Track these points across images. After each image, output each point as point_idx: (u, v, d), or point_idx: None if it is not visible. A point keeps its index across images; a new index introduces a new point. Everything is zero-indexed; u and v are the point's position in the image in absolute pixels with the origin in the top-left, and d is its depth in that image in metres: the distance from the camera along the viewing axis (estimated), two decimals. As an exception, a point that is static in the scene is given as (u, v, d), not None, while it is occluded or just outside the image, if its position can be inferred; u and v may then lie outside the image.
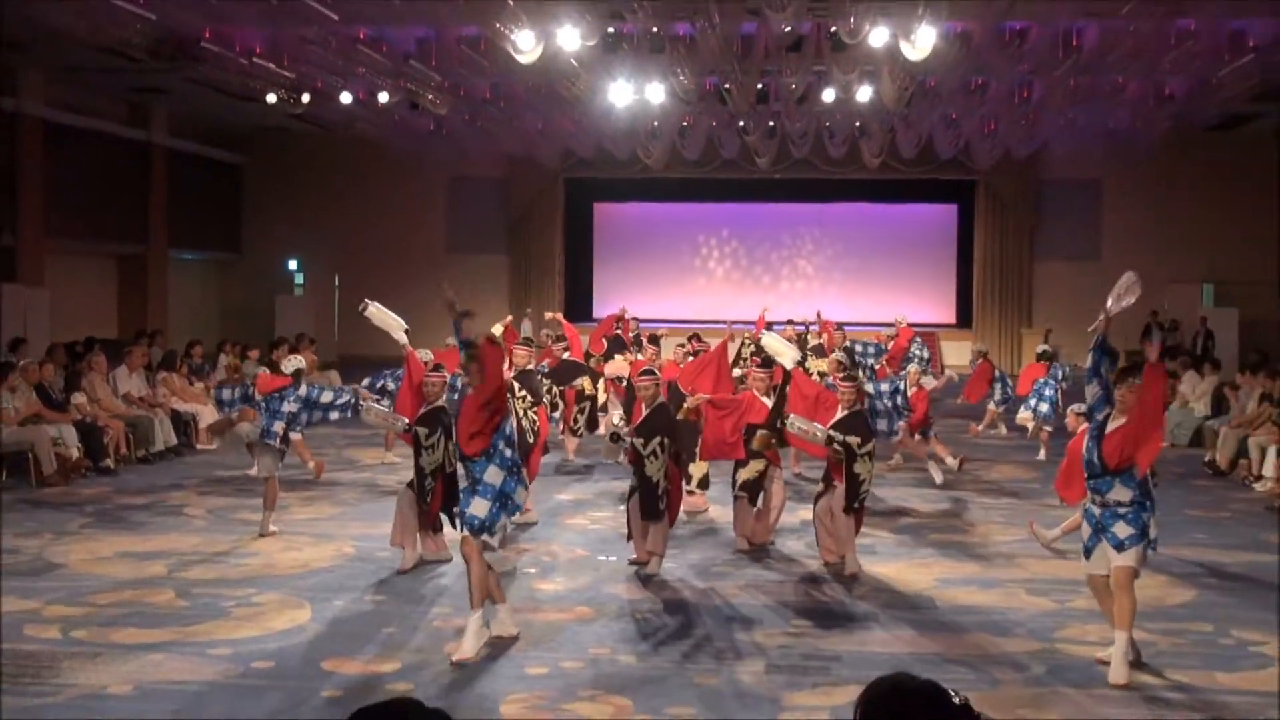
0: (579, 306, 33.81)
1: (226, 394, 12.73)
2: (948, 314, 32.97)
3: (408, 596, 9.55)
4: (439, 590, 9.72)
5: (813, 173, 30.39)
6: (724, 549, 11.27)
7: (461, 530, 8.25)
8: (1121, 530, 7.75)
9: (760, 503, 11.29)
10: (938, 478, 14.98)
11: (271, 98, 21.46)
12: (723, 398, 11.54)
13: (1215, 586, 10.17)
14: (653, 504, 10.22)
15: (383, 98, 21.31)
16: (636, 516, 10.39)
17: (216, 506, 13.18)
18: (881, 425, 11.61)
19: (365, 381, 14.10)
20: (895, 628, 8.87)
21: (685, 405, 11.20)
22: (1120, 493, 7.78)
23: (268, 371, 12.97)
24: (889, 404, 12.47)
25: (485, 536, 8.10)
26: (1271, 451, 14.88)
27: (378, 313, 11.37)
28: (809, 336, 19.65)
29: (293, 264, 32.57)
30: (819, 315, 21.40)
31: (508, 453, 8.21)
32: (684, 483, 11.40)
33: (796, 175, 30.76)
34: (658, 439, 10.22)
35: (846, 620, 9.07)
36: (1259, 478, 15.12)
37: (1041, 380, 18.42)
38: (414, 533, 10.42)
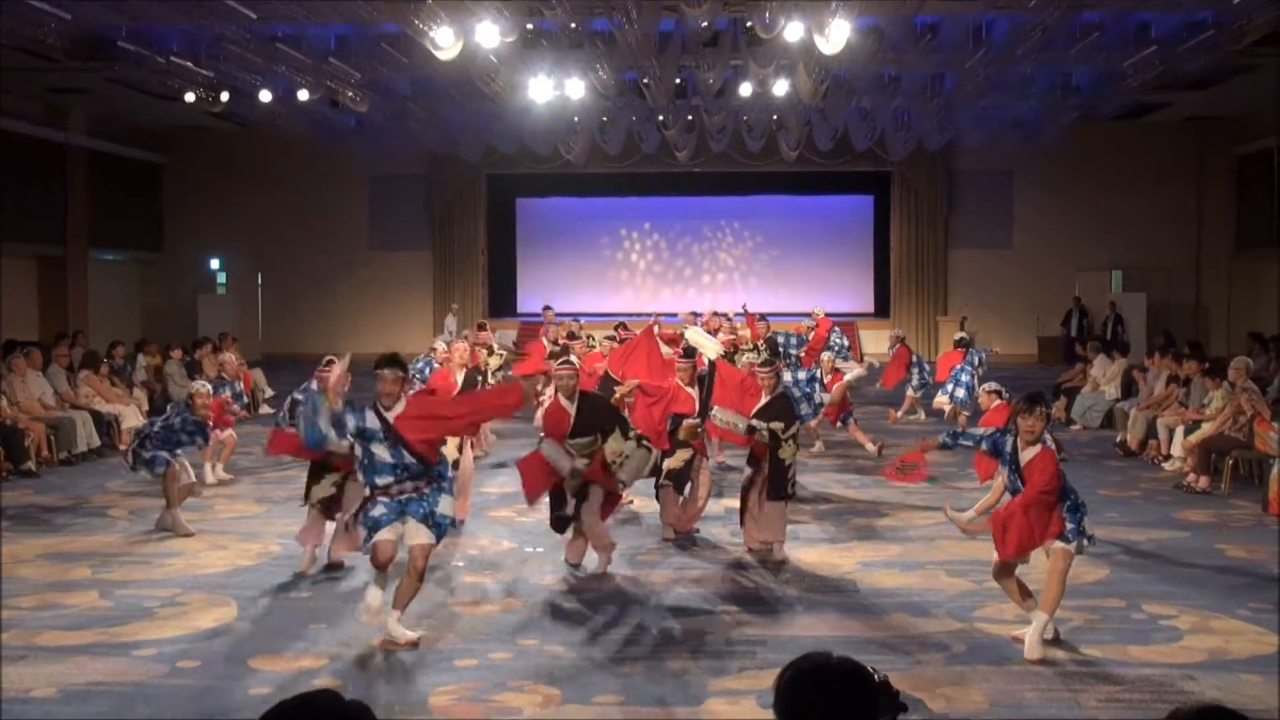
0: (503, 301, 33.73)
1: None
2: (866, 303, 33.22)
3: (334, 593, 9.45)
4: (365, 586, 9.61)
5: (732, 166, 30.49)
6: (650, 537, 11.28)
7: (427, 535, 8.06)
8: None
9: (686, 492, 11.29)
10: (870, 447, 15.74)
11: (190, 96, 21.13)
12: (653, 384, 11.53)
13: (1127, 564, 10.35)
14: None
15: (303, 95, 21.05)
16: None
17: (140, 507, 12.96)
18: (803, 410, 11.75)
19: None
20: (819, 611, 8.92)
21: (618, 391, 11.18)
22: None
23: (208, 390, 12.97)
24: (806, 390, 12.57)
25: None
26: (1179, 432, 15.14)
27: None
28: (738, 328, 19.65)
29: (215, 263, 32.15)
30: (744, 308, 21.51)
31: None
32: None
33: (716, 169, 30.86)
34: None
35: (771, 605, 9.11)
36: (1167, 457, 15.39)
37: (958, 367, 18.71)
38: (320, 534, 10.21)
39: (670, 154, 28.67)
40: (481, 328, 19.41)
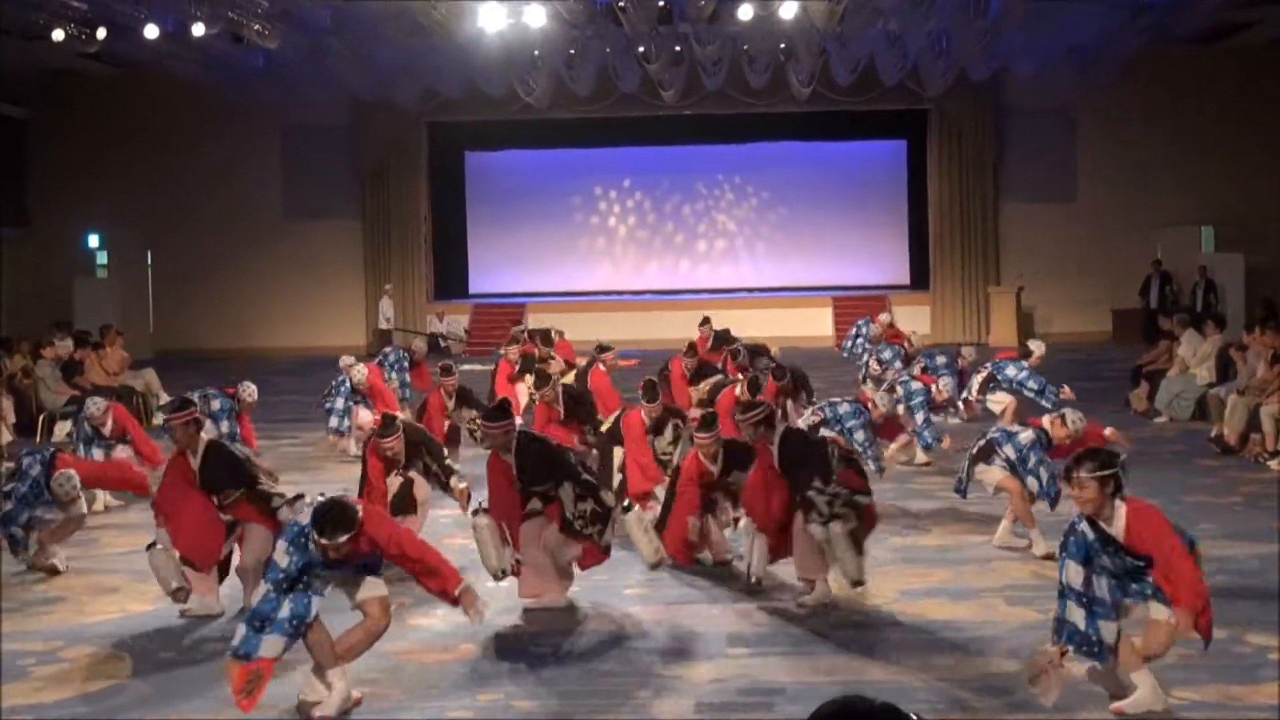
0: (451, 280, 33.72)
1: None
2: (900, 273, 33.35)
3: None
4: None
5: (730, 107, 30.48)
6: (635, 564, 11.27)
7: (377, 584, 8.09)
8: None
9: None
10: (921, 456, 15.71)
11: (59, 34, 21.05)
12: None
13: (1226, 586, 10.32)
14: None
15: (197, 30, 20.98)
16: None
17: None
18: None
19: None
20: (850, 651, 8.92)
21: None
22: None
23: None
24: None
25: None
26: (1288, 422, 15.13)
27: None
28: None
29: (93, 239, 32.02)
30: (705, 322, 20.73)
31: None
32: None
33: (710, 111, 30.86)
34: None
35: (791, 645, 9.11)
36: (1274, 454, 15.37)
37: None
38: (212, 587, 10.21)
39: (654, 94, 28.64)
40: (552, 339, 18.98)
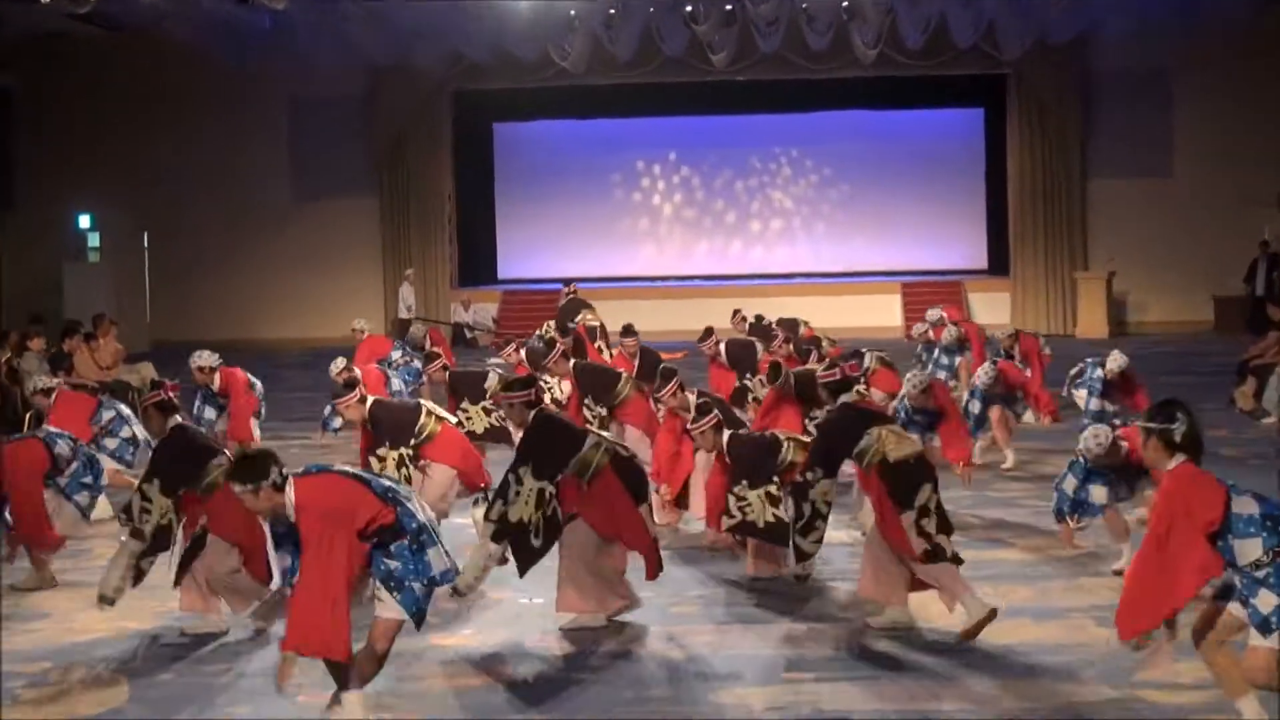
0: (478, 265, 33.77)
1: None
2: (976, 257, 33.23)
3: (260, 662, 9.45)
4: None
5: (787, 72, 30.44)
6: (687, 580, 11.26)
7: (394, 607, 7.96)
8: (1266, 602, 7.51)
9: None
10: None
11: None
12: None
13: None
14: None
15: (199, -11, 21.07)
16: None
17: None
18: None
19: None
20: (922, 677, 8.90)
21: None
22: (1250, 548, 7.54)
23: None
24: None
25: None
26: None
27: None
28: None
29: (84, 220, 32.16)
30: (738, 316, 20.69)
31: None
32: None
33: (765, 76, 30.83)
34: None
35: (855, 669, 9.09)
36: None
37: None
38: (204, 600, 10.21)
39: (703, 58, 28.63)
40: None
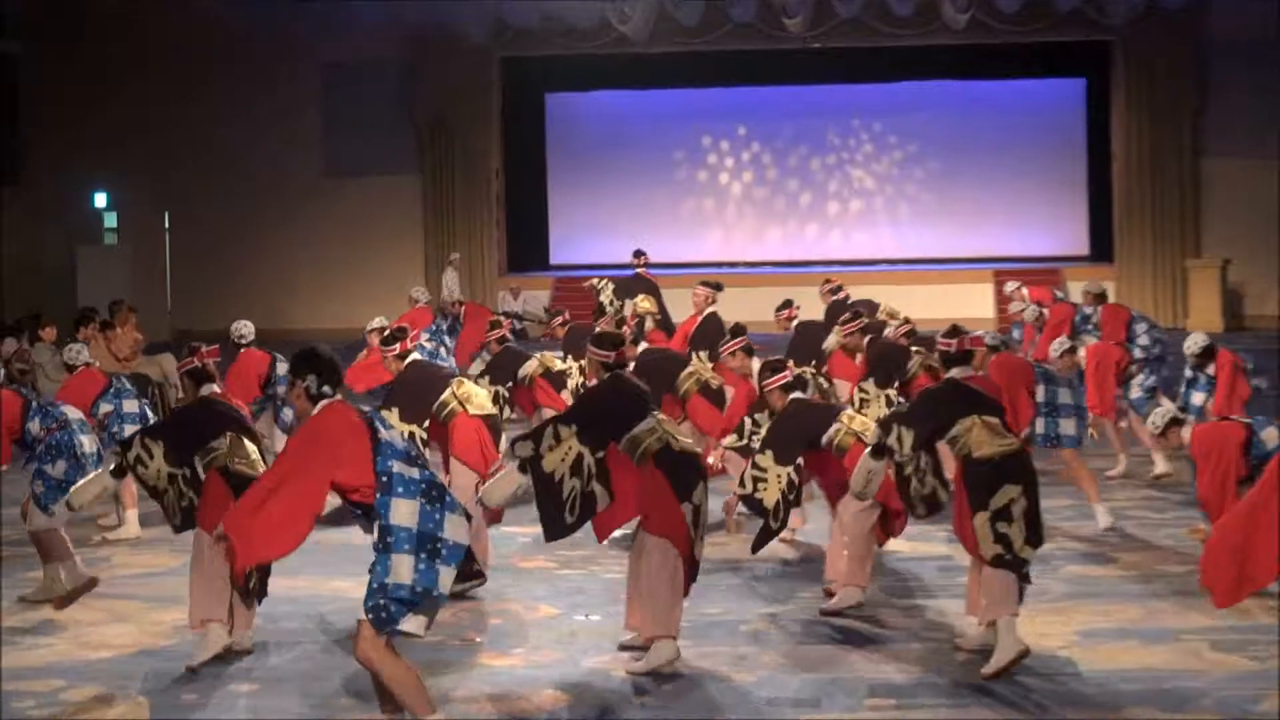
0: (529, 249, 33.81)
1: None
2: (1077, 242, 33.14)
3: (292, 684, 9.47)
4: (331, 667, 9.65)
5: (869, 39, 30.42)
6: (755, 596, 11.24)
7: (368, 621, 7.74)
8: None
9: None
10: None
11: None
12: None
13: None
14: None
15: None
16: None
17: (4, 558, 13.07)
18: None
19: None
20: (1017, 704, 8.86)
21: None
22: None
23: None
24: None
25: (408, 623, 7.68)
26: None
27: None
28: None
29: (100, 199, 32.39)
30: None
31: (412, 472, 7.83)
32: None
33: (844, 44, 30.81)
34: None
35: (944, 695, 9.06)
36: None
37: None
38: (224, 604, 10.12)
39: (776, 23, 28.64)
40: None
